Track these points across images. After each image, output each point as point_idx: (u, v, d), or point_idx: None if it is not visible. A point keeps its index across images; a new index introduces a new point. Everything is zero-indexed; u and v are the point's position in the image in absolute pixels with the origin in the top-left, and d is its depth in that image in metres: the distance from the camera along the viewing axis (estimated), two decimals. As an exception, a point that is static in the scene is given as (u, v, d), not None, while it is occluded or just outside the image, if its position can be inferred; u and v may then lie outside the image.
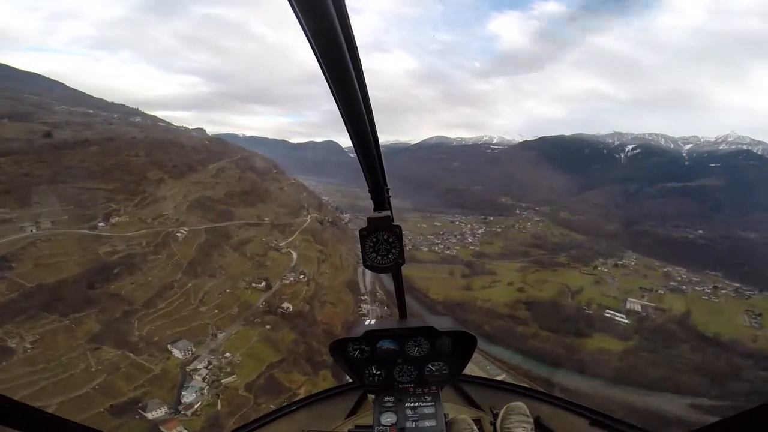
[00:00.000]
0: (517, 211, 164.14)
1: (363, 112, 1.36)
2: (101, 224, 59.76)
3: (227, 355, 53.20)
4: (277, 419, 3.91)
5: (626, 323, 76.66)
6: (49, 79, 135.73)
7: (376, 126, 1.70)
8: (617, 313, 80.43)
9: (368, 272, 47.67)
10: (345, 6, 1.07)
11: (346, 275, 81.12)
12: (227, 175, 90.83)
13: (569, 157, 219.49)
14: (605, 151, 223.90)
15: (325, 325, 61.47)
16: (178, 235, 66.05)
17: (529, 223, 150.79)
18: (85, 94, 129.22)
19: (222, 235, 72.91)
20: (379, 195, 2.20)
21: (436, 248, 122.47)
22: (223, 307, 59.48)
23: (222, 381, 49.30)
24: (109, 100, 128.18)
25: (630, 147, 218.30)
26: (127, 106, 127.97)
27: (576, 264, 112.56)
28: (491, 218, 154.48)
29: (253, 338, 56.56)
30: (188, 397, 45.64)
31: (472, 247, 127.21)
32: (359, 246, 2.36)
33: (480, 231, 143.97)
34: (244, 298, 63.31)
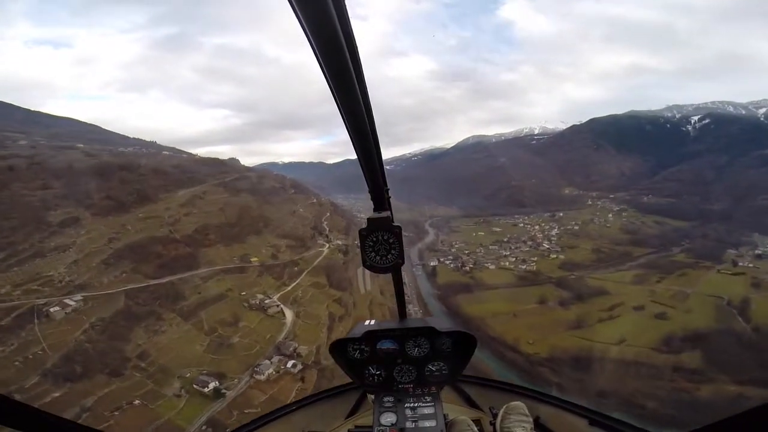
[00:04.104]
0: (589, 202, 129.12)
1: (363, 113, 1.27)
2: None
3: None
4: (276, 420, 3.51)
5: None
6: (84, 123, 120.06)
7: (377, 127, 1.56)
8: (833, 335, 45.59)
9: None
10: (345, 6, 0.97)
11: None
12: (206, 202, 57.93)
13: (629, 136, 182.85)
14: (668, 126, 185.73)
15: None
16: (55, 309, 32.95)
17: (610, 215, 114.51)
18: (101, 128, 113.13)
19: (166, 297, 39.22)
20: (379, 195, 2.02)
21: (507, 263, 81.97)
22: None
23: None
24: (131, 136, 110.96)
25: (695, 118, 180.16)
26: (144, 140, 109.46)
27: (703, 261, 77.00)
28: (560, 214, 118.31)
29: None
30: None
31: (554, 256, 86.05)
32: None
33: (554, 232, 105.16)
34: (166, 416, 28.47)
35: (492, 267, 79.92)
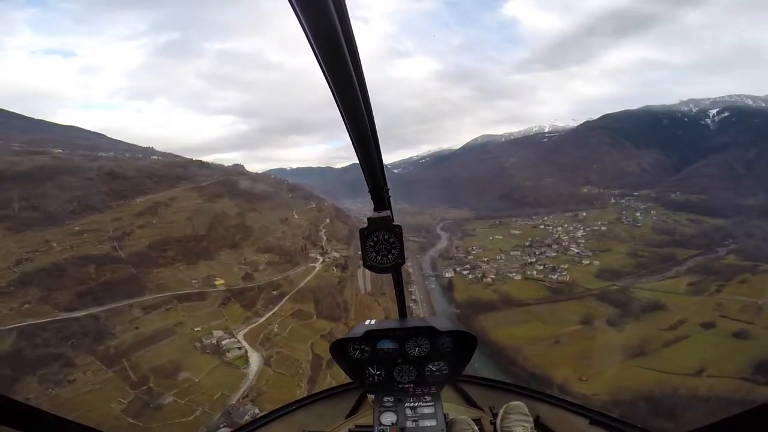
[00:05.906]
0: (612, 201, 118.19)
1: (363, 112, 1.24)
2: None
3: None
4: (276, 419, 3.38)
5: None
6: (89, 131, 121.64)
7: (377, 128, 1.53)
8: None
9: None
10: (345, 5, 0.93)
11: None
12: (172, 210, 46.18)
13: (645, 131, 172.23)
14: (686, 120, 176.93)
15: None
16: None
17: (637, 213, 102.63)
18: (105, 136, 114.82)
19: (84, 335, 27.02)
20: (379, 195, 1.99)
21: (534, 272, 68.34)
22: None
23: None
24: (130, 142, 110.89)
25: (713, 112, 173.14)
26: (139, 146, 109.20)
27: (760, 263, 64.39)
28: (583, 214, 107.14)
29: None
30: None
31: (587, 262, 72.49)
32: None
33: (579, 233, 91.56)
34: None
35: (517, 277, 66.47)
